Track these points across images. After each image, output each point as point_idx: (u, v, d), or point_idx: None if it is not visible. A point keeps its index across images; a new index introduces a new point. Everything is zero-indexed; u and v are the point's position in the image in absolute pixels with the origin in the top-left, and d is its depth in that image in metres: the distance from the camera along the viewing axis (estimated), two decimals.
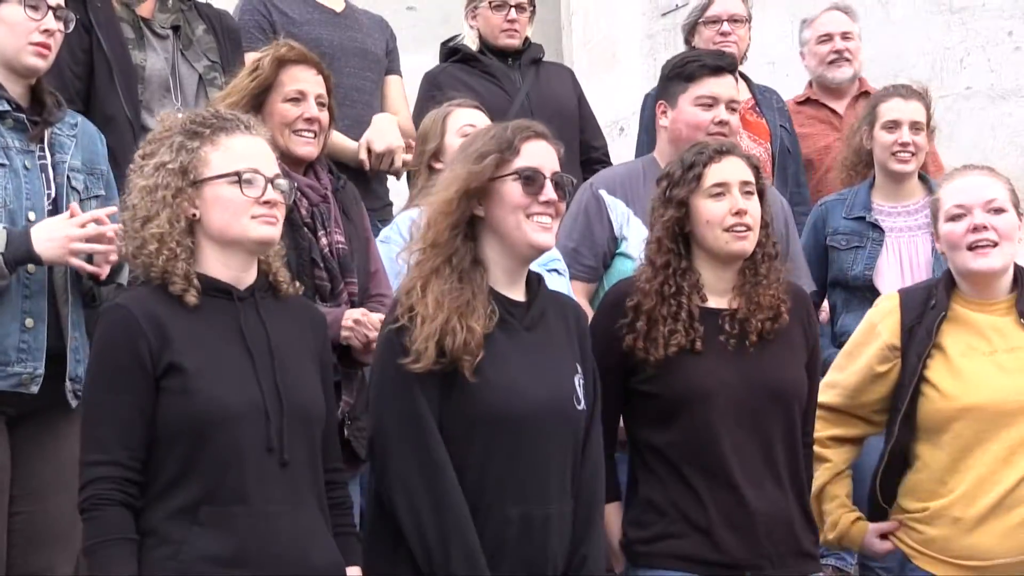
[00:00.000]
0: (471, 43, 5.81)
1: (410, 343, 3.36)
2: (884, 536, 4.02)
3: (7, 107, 3.89)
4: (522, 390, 3.41)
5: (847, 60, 6.13)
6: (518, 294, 3.54)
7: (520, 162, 3.50)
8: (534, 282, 3.59)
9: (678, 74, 4.76)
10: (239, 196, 3.33)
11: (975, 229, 3.91)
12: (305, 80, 4.26)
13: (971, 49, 7.03)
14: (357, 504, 4.08)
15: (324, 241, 4.18)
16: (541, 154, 3.53)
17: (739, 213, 3.78)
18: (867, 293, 5.07)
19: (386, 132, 5.28)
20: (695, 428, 3.71)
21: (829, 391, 4.10)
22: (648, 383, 3.76)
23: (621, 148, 6.11)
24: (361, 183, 5.09)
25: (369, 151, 5.24)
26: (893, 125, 5.17)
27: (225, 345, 3.30)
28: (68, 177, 3.94)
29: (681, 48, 6.13)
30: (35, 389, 3.77)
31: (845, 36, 6.16)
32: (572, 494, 3.48)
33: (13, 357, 3.75)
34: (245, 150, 3.37)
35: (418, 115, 5.43)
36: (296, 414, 3.30)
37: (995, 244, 3.91)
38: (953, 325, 3.97)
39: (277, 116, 4.19)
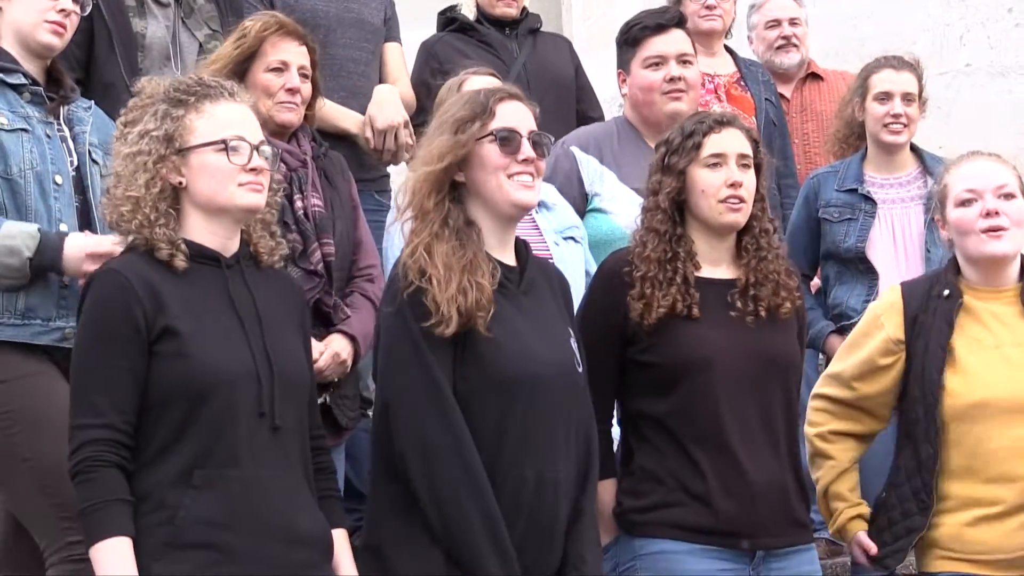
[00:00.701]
0: (468, 12, 5.79)
1: (432, 305, 3.38)
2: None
3: (24, 80, 3.95)
4: (533, 353, 3.46)
5: (795, 46, 6.18)
6: (509, 258, 3.58)
7: (496, 124, 3.54)
8: (522, 248, 3.64)
9: (625, 40, 4.82)
10: (225, 163, 3.35)
11: (987, 214, 3.87)
12: (288, 51, 4.31)
13: (971, 26, 7.02)
14: (341, 472, 4.13)
15: (299, 204, 4.23)
16: (516, 114, 3.57)
17: (734, 185, 3.79)
18: (860, 265, 5.09)
19: (386, 106, 5.23)
20: (695, 396, 3.72)
21: (832, 382, 4.08)
22: (647, 352, 3.77)
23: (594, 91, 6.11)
24: (356, 154, 5.11)
25: (373, 129, 5.19)
26: (885, 96, 5.15)
27: (215, 311, 3.33)
28: (89, 150, 3.99)
29: None
30: None
31: (793, 22, 6.21)
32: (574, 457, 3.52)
33: (54, 313, 3.83)
34: (230, 117, 3.40)
35: (415, 85, 5.46)
36: (285, 380, 3.34)
37: (1006, 229, 3.88)
38: (961, 316, 3.92)
39: (259, 85, 4.24)
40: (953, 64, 7.13)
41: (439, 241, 3.45)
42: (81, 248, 3.75)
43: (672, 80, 4.68)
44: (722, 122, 3.89)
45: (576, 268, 4.33)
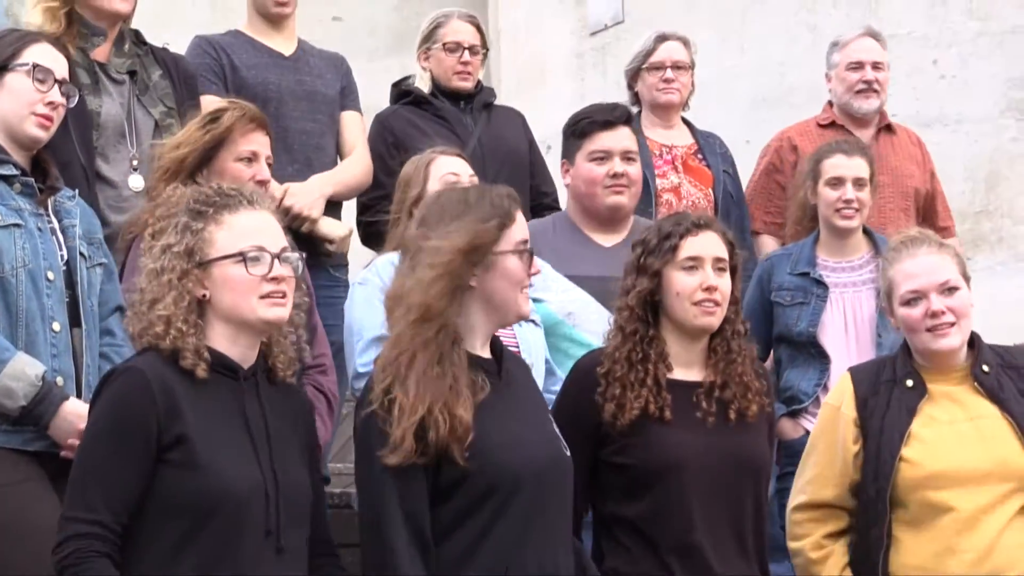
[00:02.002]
0: (423, 85, 5.77)
1: (388, 430, 3.31)
2: None
3: (14, 171, 3.89)
4: (526, 446, 3.43)
5: (875, 91, 5.98)
6: (487, 351, 3.54)
7: (519, 234, 3.50)
8: (496, 340, 3.60)
9: (572, 132, 4.94)
10: (245, 275, 3.33)
11: (933, 315, 3.95)
12: (256, 141, 4.33)
13: (896, 77, 7.06)
14: None
15: None
16: (524, 224, 3.55)
17: (709, 289, 3.83)
18: (811, 349, 5.12)
19: (308, 194, 5.21)
20: (667, 500, 3.74)
21: (808, 488, 4.06)
22: (620, 454, 3.78)
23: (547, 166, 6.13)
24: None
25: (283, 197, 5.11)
26: (836, 182, 5.17)
27: (229, 424, 3.31)
28: (77, 243, 3.95)
29: (609, 68, 6.20)
30: None
31: (876, 66, 6.00)
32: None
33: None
34: (249, 227, 3.38)
35: (373, 159, 5.44)
36: (291, 502, 3.33)
37: (953, 323, 3.96)
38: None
39: (228, 174, 4.22)
40: None
41: (423, 352, 3.35)
42: (77, 418, 3.68)
43: (615, 176, 4.83)
44: (699, 225, 3.92)
45: (539, 348, 4.38)
